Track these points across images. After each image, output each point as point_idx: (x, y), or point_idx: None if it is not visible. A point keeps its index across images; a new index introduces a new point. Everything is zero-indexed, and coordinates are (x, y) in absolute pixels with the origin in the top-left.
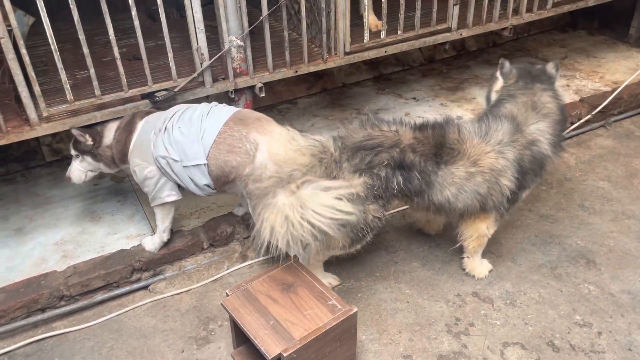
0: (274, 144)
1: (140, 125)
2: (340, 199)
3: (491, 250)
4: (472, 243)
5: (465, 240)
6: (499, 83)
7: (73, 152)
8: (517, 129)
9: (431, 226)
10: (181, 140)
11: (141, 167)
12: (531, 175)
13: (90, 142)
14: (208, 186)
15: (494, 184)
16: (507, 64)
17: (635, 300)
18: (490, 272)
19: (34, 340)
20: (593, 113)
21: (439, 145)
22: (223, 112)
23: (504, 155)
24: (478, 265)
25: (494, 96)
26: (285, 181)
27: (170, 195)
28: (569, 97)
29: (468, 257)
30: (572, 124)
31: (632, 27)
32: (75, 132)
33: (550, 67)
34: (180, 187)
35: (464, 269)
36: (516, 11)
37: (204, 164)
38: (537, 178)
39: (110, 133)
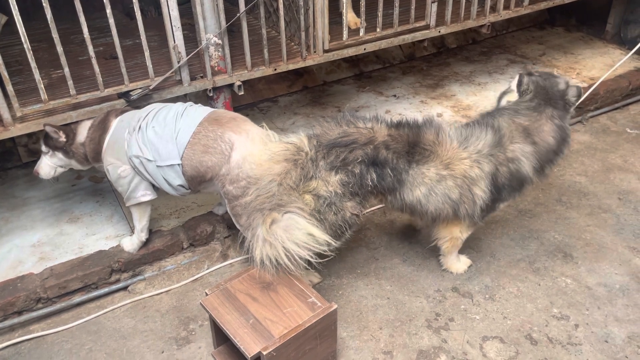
0: (249, 156)
1: (115, 123)
2: (312, 233)
3: (470, 245)
4: (445, 244)
5: (439, 241)
6: (514, 96)
7: (44, 148)
8: (499, 143)
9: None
10: (155, 140)
11: (114, 166)
12: (507, 191)
13: (63, 139)
14: (182, 186)
15: (466, 191)
16: (525, 80)
17: (611, 292)
18: (469, 267)
19: (11, 344)
20: None
21: (412, 144)
22: (198, 112)
23: (480, 165)
24: (455, 263)
25: (504, 102)
26: (264, 199)
27: (145, 194)
28: None
29: (444, 255)
30: None
31: (608, 23)
32: (48, 129)
33: (572, 93)
34: (155, 187)
35: (442, 266)
36: (494, 8)
37: (178, 164)
38: (516, 193)
39: (83, 130)
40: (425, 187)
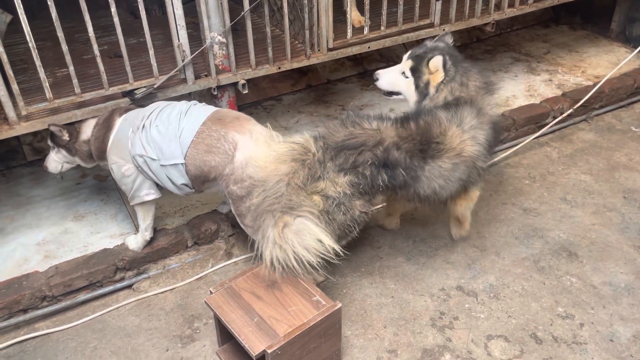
0: (255, 156)
1: (119, 122)
2: (321, 240)
3: (475, 244)
4: (467, 212)
5: (462, 214)
6: (439, 76)
7: (50, 144)
8: (480, 112)
9: (391, 221)
10: (158, 139)
11: (118, 165)
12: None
13: (66, 137)
14: (186, 185)
15: (472, 168)
16: (447, 58)
17: (616, 291)
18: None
19: (16, 342)
20: (575, 107)
21: (425, 141)
22: (201, 111)
23: (478, 140)
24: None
25: (433, 91)
26: (273, 200)
27: (149, 194)
28: (551, 91)
29: (461, 224)
30: (555, 118)
31: (613, 21)
32: (54, 128)
33: (449, 38)
34: (159, 186)
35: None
36: (498, 6)
37: (182, 164)
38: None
39: (88, 129)
40: (443, 178)
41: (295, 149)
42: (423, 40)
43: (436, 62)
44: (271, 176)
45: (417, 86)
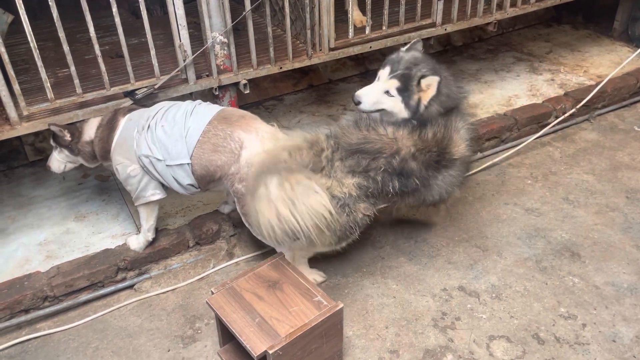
0: (259, 154)
1: (123, 122)
2: (330, 211)
3: (477, 244)
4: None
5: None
6: (430, 93)
7: (53, 144)
8: (465, 115)
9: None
10: (164, 139)
11: (124, 166)
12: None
13: (68, 137)
14: (192, 185)
15: (466, 170)
16: (441, 78)
17: (619, 292)
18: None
19: (18, 342)
20: (577, 107)
21: (441, 153)
22: (207, 110)
23: (469, 141)
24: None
25: (423, 107)
26: (272, 164)
27: (154, 194)
28: (553, 91)
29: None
30: (557, 117)
31: (616, 21)
32: (54, 128)
33: (420, 45)
34: (164, 186)
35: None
36: (500, 6)
37: (188, 164)
38: None
39: (90, 129)
40: (452, 185)
41: (306, 139)
42: (426, 40)
43: (429, 81)
44: (272, 153)
45: (406, 105)
